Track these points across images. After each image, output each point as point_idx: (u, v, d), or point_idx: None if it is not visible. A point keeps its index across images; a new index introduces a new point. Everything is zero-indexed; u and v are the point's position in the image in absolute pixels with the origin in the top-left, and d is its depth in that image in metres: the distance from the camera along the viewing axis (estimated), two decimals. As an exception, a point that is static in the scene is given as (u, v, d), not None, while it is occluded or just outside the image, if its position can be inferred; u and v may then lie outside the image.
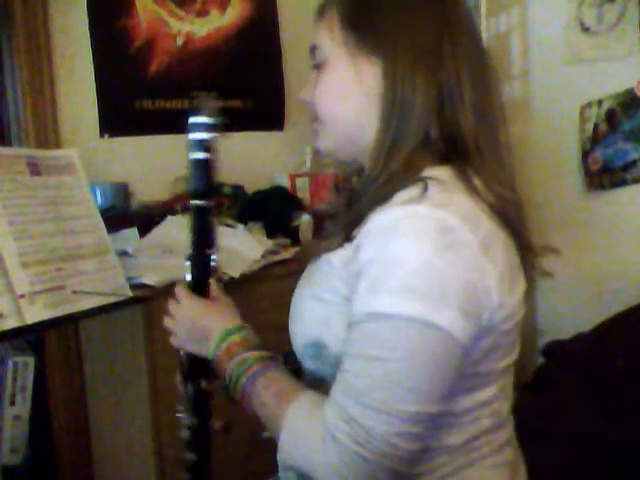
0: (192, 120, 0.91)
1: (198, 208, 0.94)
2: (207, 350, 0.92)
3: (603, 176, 2.01)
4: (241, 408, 0.88)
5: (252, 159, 2.19)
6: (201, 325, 0.93)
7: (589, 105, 2.01)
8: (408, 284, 0.72)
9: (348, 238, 0.81)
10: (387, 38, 0.83)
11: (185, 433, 0.97)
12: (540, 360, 1.79)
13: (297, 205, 1.98)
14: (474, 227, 0.76)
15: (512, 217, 0.82)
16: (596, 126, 2.00)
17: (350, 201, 0.96)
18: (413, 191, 0.77)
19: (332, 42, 0.87)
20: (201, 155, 0.91)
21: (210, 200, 0.93)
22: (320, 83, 0.89)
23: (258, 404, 0.85)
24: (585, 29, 2.00)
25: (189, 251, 0.96)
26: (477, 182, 0.81)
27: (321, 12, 0.90)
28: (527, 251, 0.86)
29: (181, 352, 0.98)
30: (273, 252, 1.72)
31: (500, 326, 0.80)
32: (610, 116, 1.97)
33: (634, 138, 1.92)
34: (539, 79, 2.18)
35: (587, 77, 2.02)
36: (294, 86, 2.30)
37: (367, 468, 0.73)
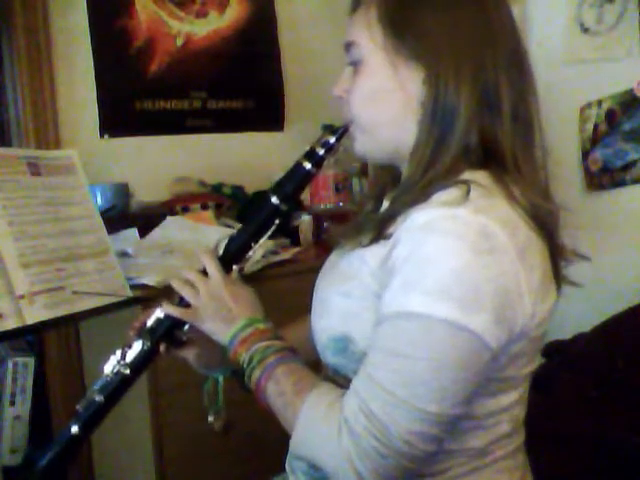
0: (325, 137, 0.92)
1: (271, 205, 0.93)
2: (227, 329, 0.90)
3: (603, 176, 2.01)
4: (252, 394, 0.86)
5: (252, 159, 2.19)
6: (230, 305, 0.91)
7: (589, 105, 2.01)
8: (443, 286, 0.72)
9: (382, 236, 0.81)
10: (429, 43, 0.81)
11: (107, 376, 0.94)
12: (540, 360, 1.79)
13: (297, 205, 1.97)
14: (513, 234, 0.75)
15: (547, 224, 0.81)
16: (596, 126, 2.00)
17: (380, 199, 0.95)
18: (454, 193, 0.76)
19: (370, 41, 0.84)
20: (308, 166, 0.92)
21: (285, 206, 0.93)
22: (357, 86, 0.86)
23: (275, 391, 0.83)
24: (585, 29, 2.00)
25: (236, 232, 0.97)
26: (514, 189, 0.79)
27: (356, 5, 0.87)
28: (558, 258, 0.85)
29: (161, 308, 0.96)
30: (273, 252, 1.72)
31: (530, 333, 0.79)
32: (610, 116, 1.96)
33: (634, 138, 1.92)
34: (539, 79, 2.17)
35: (587, 77, 2.02)
36: (294, 86, 2.30)
37: (382, 463, 0.73)
